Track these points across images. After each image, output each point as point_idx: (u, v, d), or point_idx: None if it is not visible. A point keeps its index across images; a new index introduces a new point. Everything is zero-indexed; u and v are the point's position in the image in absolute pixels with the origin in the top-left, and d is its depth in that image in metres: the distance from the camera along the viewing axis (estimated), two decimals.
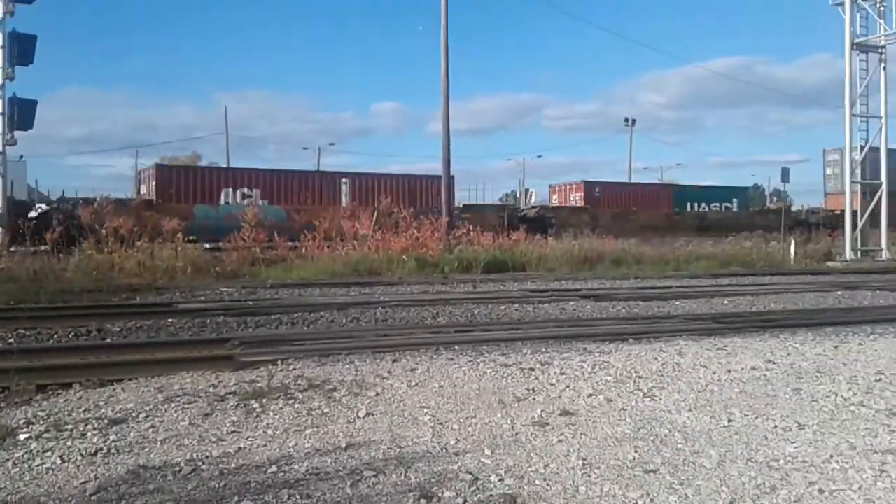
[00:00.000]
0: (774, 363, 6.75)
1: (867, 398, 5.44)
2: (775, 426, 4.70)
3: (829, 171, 50.08)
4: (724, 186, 48.24)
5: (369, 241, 21.68)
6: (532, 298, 12.59)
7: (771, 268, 22.36)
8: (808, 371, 6.43)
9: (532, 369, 6.36)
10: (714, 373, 6.31)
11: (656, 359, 6.92)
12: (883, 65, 27.89)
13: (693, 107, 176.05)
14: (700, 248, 24.64)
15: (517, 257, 21.06)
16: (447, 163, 25.09)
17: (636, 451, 4.17)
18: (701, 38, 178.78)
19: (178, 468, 3.86)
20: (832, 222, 38.35)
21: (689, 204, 43.41)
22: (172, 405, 5.11)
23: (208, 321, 9.58)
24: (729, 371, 6.37)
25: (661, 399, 5.39)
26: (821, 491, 3.57)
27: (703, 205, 43.99)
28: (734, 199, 46.36)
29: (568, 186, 42.72)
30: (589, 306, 11.84)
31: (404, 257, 19.69)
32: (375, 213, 24.21)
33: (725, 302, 12.72)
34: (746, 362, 6.77)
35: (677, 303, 12.46)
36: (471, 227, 23.89)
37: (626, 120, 61.25)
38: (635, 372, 6.30)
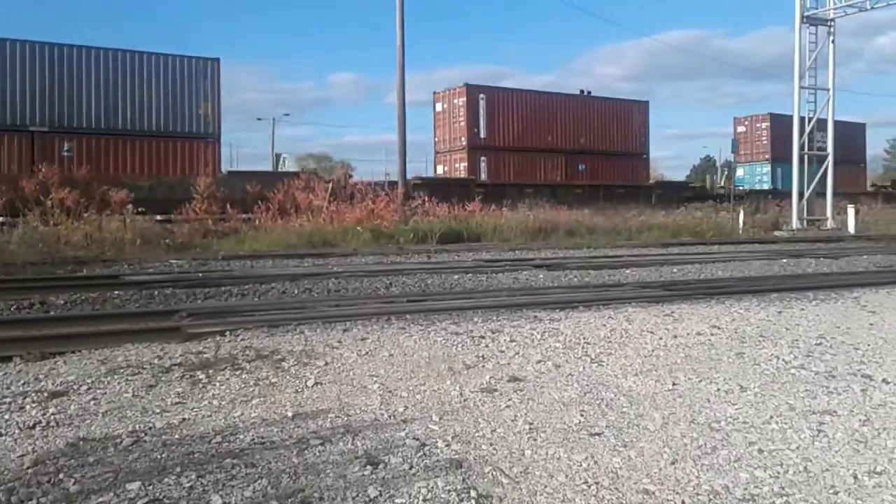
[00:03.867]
0: (719, 328, 6.89)
1: (807, 361, 5.58)
2: (718, 389, 4.80)
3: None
4: None
5: (324, 212, 21.52)
6: (486, 268, 12.64)
7: (720, 237, 22.81)
8: (751, 336, 6.57)
9: (482, 337, 6.39)
10: (660, 338, 6.41)
11: (605, 325, 7.01)
12: (832, 38, 28.41)
13: (649, 79, 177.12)
14: (651, 219, 25.00)
15: (473, 228, 21.16)
16: (402, 133, 24.91)
17: (582, 415, 4.21)
18: (657, 10, 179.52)
19: (119, 440, 3.78)
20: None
21: None
22: (115, 377, 5.01)
23: (156, 293, 9.40)
24: (675, 336, 6.49)
25: (608, 364, 5.46)
26: (760, 451, 3.65)
27: None
28: None
29: None
30: (541, 275, 11.94)
31: (359, 228, 19.60)
32: (330, 184, 23.98)
33: (674, 270, 12.94)
34: (692, 328, 6.91)
35: (627, 271, 12.63)
36: (426, 198, 23.86)
37: (582, 91, 61.03)
38: (584, 338, 6.37)
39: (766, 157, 47.98)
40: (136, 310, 8.25)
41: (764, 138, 48.22)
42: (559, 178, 36.68)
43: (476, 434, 3.90)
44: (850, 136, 47.95)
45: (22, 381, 4.94)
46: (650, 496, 3.14)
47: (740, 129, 49.32)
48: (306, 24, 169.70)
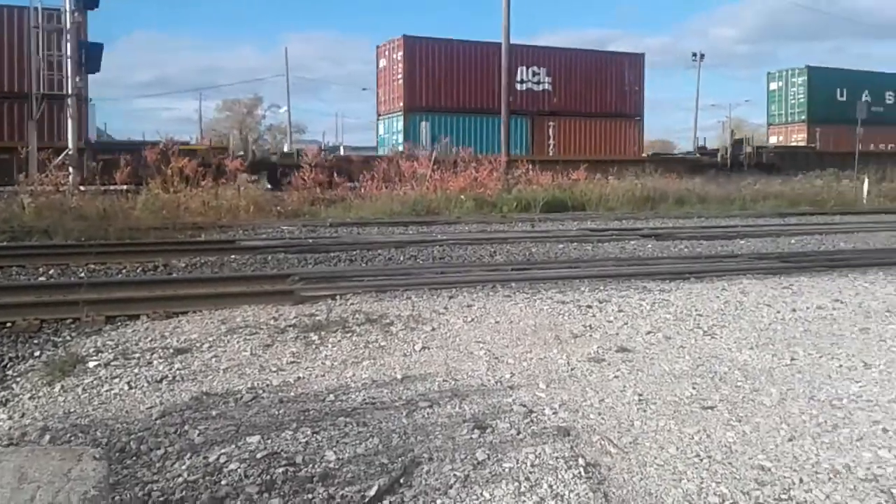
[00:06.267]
0: (842, 302, 6.55)
1: None
2: (840, 365, 4.58)
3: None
4: None
5: (427, 180, 21.66)
6: (591, 237, 12.44)
7: (842, 207, 21.56)
8: (877, 311, 6.21)
9: (590, 307, 6.31)
10: (778, 312, 6.15)
11: (718, 297, 6.78)
12: None
13: (768, 40, 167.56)
14: (767, 187, 23.90)
15: (577, 197, 20.77)
16: (506, 104, 24.71)
17: (694, 388, 4.11)
18: None
19: (239, 395, 3.98)
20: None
21: None
22: (235, 336, 5.25)
23: (269, 258, 9.76)
24: (794, 310, 6.21)
25: (721, 337, 5.29)
26: (885, 430, 3.47)
27: None
28: None
29: None
30: (650, 245, 11.66)
31: (462, 197, 19.59)
32: (434, 153, 24.11)
33: (792, 241, 12.35)
34: (812, 301, 6.59)
35: (742, 242, 12.15)
36: (529, 167, 23.63)
37: (695, 55, 58.54)
38: (696, 310, 6.19)
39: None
40: (252, 273, 8.59)
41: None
42: None
43: (584, 403, 3.87)
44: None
45: (149, 339, 5.26)
46: (766, 472, 3.04)
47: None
48: None
